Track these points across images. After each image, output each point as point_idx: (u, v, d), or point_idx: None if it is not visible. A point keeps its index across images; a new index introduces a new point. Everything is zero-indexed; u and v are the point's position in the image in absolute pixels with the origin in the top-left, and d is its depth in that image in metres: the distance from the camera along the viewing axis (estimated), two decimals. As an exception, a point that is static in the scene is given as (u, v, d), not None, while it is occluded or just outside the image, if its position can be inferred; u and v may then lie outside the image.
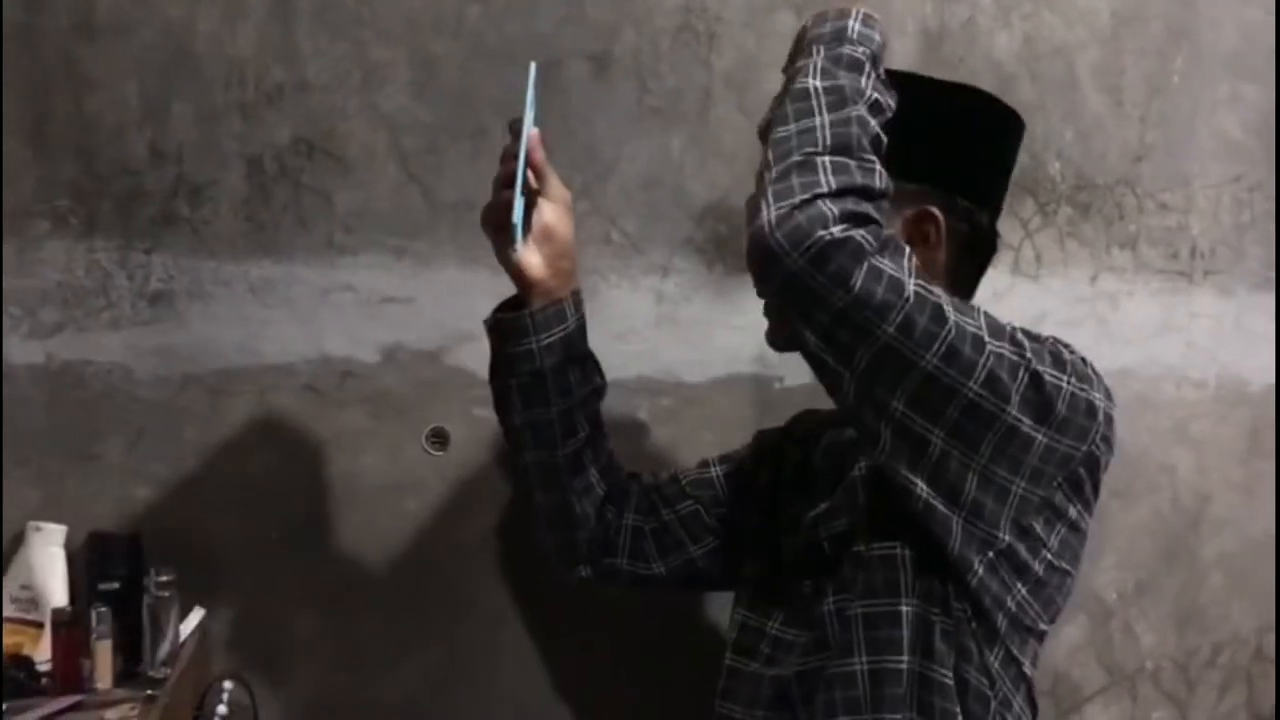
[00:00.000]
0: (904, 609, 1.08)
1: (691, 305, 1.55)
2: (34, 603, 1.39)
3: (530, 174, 1.15)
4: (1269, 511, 1.69)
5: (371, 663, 1.53)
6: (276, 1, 1.46)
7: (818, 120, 1.01)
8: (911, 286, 0.97)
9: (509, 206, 1.13)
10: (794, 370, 1.11)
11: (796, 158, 1.00)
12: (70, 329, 1.46)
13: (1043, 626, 1.13)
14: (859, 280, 0.96)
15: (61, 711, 1.23)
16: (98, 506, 1.46)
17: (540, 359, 1.19)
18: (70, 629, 1.30)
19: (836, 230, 0.95)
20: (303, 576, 1.51)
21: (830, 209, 0.96)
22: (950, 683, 1.07)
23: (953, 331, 0.98)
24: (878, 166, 1.01)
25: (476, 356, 1.50)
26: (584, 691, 1.58)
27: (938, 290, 1.00)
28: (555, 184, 1.19)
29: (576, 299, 1.21)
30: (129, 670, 1.33)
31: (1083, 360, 1.09)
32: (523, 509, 1.53)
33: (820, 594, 1.13)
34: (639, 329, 1.54)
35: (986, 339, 1.00)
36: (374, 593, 1.53)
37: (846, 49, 1.05)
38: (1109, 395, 1.09)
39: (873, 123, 1.03)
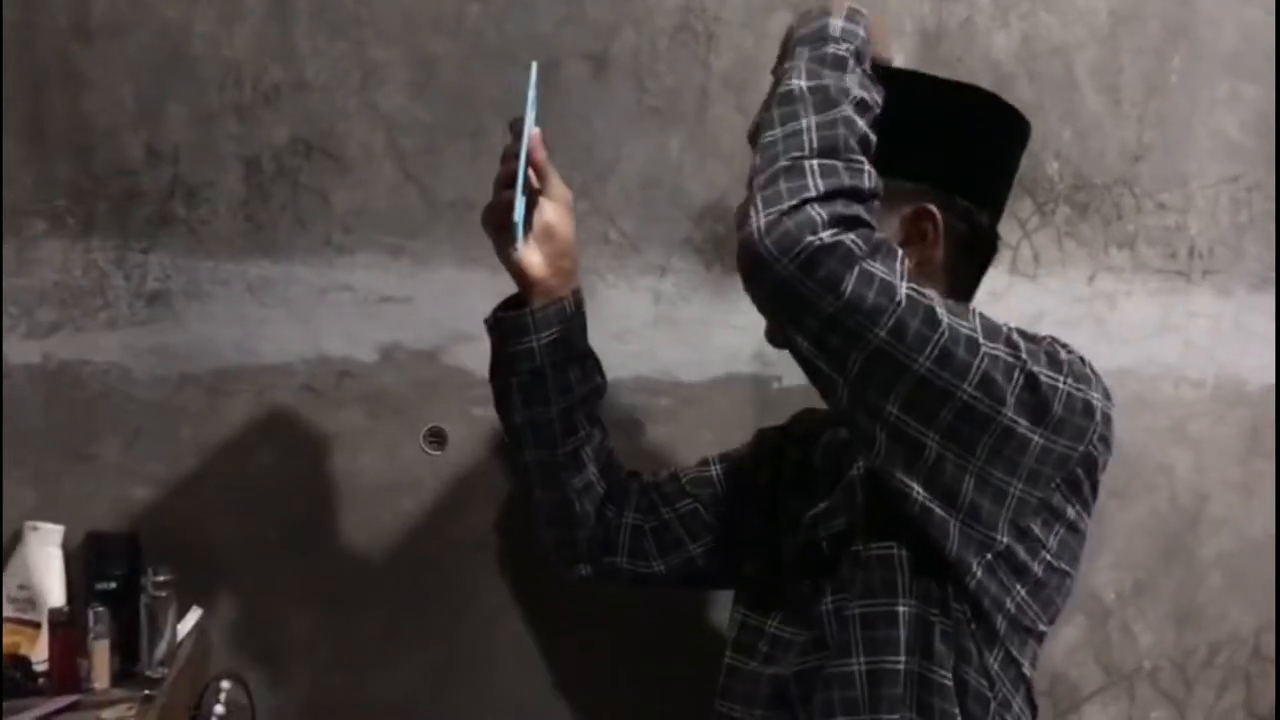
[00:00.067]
0: (901, 609, 1.08)
1: (689, 305, 1.55)
2: (31, 602, 1.39)
3: (532, 173, 1.16)
4: (1267, 511, 1.69)
5: (369, 662, 1.53)
6: (274, 1, 1.46)
7: (804, 123, 1.01)
8: (903, 290, 0.97)
9: (510, 205, 1.14)
10: (792, 370, 1.11)
11: (784, 162, 0.99)
12: (67, 329, 1.46)
13: (1042, 627, 1.12)
14: (849, 285, 0.95)
15: (58, 711, 1.23)
16: (95, 506, 1.46)
17: (540, 357, 1.19)
18: (67, 629, 1.30)
19: (826, 235, 0.95)
20: (300, 576, 1.51)
21: (819, 213, 0.96)
22: (949, 684, 1.07)
23: (946, 334, 0.98)
24: (866, 167, 1.01)
25: (474, 356, 1.50)
26: (583, 691, 1.58)
27: (931, 293, 1.00)
28: (557, 183, 1.19)
29: (577, 298, 1.22)
30: (126, 670, 1.33)
31: (1081, 360, 1.09)
32: (521, 508, 1.53)
33: (818, 593, 1.13)
34: (637, 329, 1.54)
35: (981, 341, 1.00)
36: (372, 592, 1.53)
37: (830, 48, 1.05)
38: (1107, 394, 1.08)
39: (860, 122, 1.02)
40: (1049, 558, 1.09)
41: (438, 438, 1.53)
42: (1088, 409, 1.05)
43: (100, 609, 1.31)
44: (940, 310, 0.98)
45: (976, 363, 0.99)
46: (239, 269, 1.48)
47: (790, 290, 0.97)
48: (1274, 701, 1.71)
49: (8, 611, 1.38)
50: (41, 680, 1.30)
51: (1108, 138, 1.62)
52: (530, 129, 1.14)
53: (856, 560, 1.11)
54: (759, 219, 0.97)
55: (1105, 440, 1.09)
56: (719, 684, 1.21)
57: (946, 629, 1.08)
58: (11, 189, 1.44)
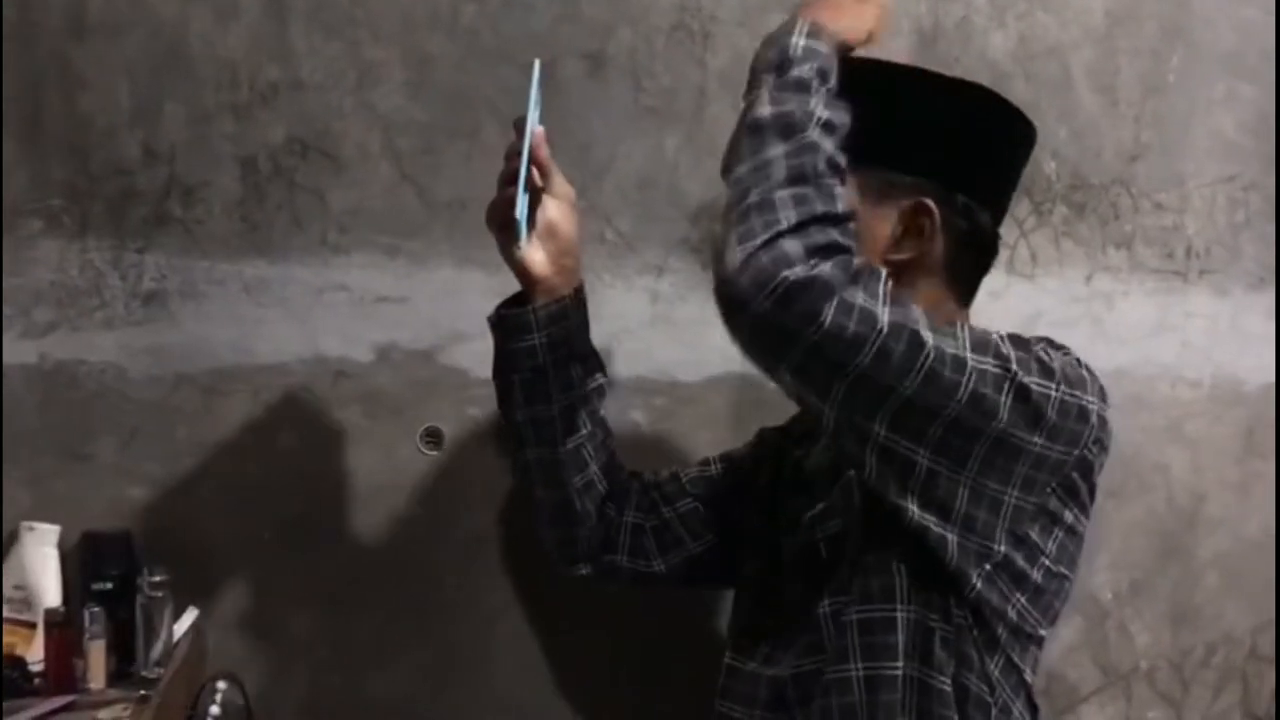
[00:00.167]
0: (900, 615, 1.08)
1: (686, 305, 1.55)
2: (27, 603, 1.38)
3: (535, 171, 1.16)
4: (1264, 511, 1.69)
5: (366, 662, 1.53)
6: (270, 1, 1.46)
7: (770, 154, 1.00)
8: (885, 317, 0.96)
9: (512, 203, 1.14)
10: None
11: (754, 197, 0.98)
12: (63, 329, 1.46)
13: (1042, 632, 1.13)
14: (829, 316, 0.94)
15: (54, 712, 1.23)
16: (91, 506, 1.46)
17: (542, 355, 1.20)
18: (63, 629, 1.30)
19: (800, 269, 0.94)
20: (297, 576, 1.51)
21: (793, 246, 0.95)
22: (949, 690, 1.07)
23: (931, 355, 0.97)
24: (838, 189, 1.00)
25: (471, 356, 1.50)
26: (582, 691, 1.58)
27: (917, 313, 0.99)
28: (560, 182, 1.20)
29: (579, 296, 1.22)
30: (122, 670, 1.33)
31: (1076, 362, 1.09)
32: (518, 508, 1.53)
33: (817, 595, 1.12)
34: (634, 328, 1.54)
35: (968, 357, 0.99)
36: (369, 592, 1.53)
37: (793, 71, 1.03)
38: (1103, 396, 1.08)
39: (827, 144, 1.01)
40: (1048, 563, 1.09)
41: (434, 438, 1.53)
42: (1082, 414, 1.04)
43: (96, 609, 1.31)
44: (925, 332, 0.98)
45: (965, 380, 0.98)
46: (235, 269, 1.48)
47: (768, 326, 0.96)
48: (1270, 701, 1.71)
49: (4, 612, 1.38)
50: (37, 680, 1.30)
51: (1105, 138, 1.62)
52: (533, 127, 1.15)
53: (854, 564, 1.11)
54: (733, 256, 0.96)
55: (1101, 443, 1.09)
56: (719, 684, 1.21)
57: (947, 635, 1.08)
58: (7, 188, 1.44)
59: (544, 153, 1.17)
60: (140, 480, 1.48)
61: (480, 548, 1.55)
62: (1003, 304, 1.55)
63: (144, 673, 1.32)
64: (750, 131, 1.02)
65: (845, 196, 1.00)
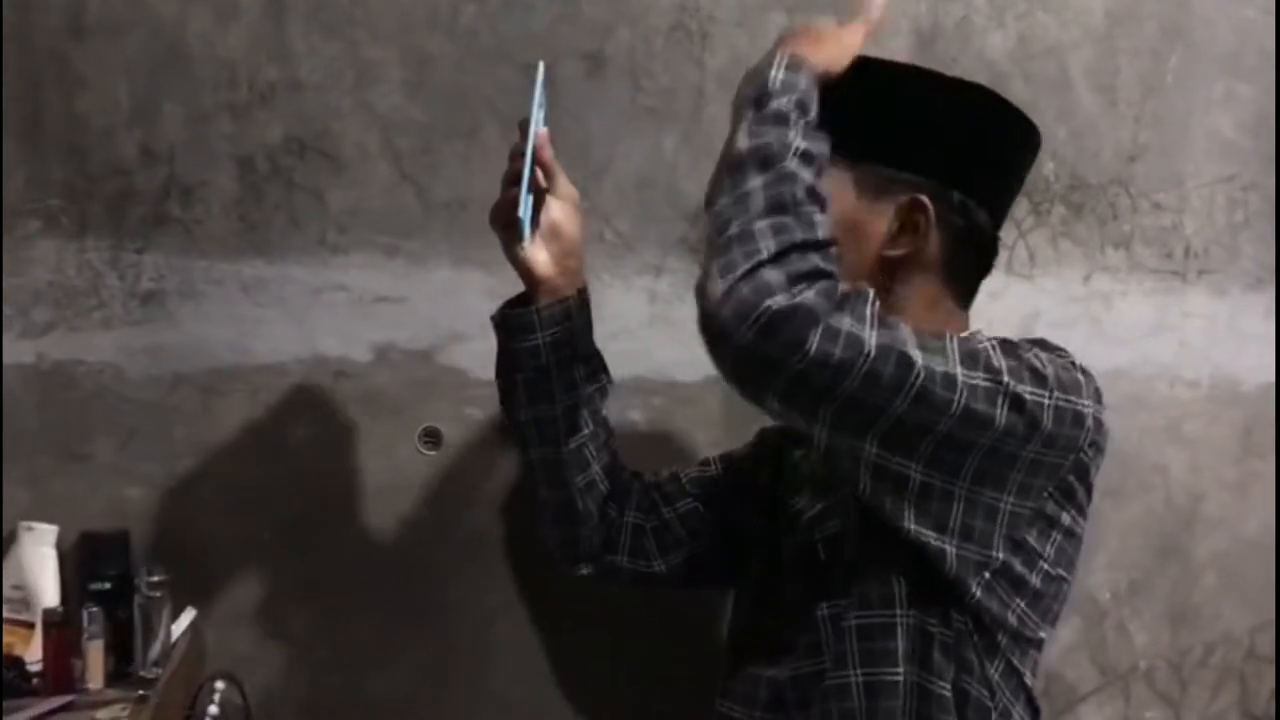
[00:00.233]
0: (899, 621, 1.08)
1: (685, 305, 1.53)
2: (25, 603, 1.38)
3: (539, 172, 1.17)
4: (1262, 511, 1.69)
5: (364, 662, 1.53)
6: (269, 1, 1.46)
7: (749, 186, 1.00)
8: (873, 340, 0.96)
9: (516, 203, 1.14)
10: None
11: (734, 229, 0.99)
12: (61, 329, 1.46)
13: (1042, 634, 1.13)
14: (814, 343, 0.94)
15: (52, 712, 1.23)
16: (89, 506, 1.46)
17: (545, 355, 1.20)
18: (61, 629, 1.29)
19: (782, 298, 0.95)
20: (295, 576, 1.51)
21: (774, 275, 0.96)
22: (948, 695, 1.07)
23: (921, 375, 0.97)
24: (817, 216, 1.00)
25: (469, 356, 1.50)
26: (582, 691, 1.58)
27: (905, 331, 0.99)
28: (563, 183, 1.21)
29: (583, 297, 1.23)
30: (120, 670, 1.33)
31: (1071, 364, 1.08)
32: (516, 509, 1.54)
33: (816, 598, 1.13)
34: (632, 329, 1.54)
35: (958, 374, 0.99)
36: (367, 593, 1.52)
37: (771, 105, 1.03)
38: (1098, 398, 1.08)
39: (805, 173, 1.01)
40: (1046, 566, 1.09)
41: (433, 438, 1.53)
42: (1077, 418, 1.04)
43: (94, 609, 1.31)
44: (913, 351, 0.98)
45: (956, 397, 0.98)
46: (233, 269, 1.48)
47: (753, 356, 0.96)
48: (1269, 701, 1.71)
49: (2, 612, 1.37)
50: (36, 680, 1.29)
51: (1103, 138, 1.62)
52: (537, 128, 1.16)
53: (853, 568, 1.11)
54: (714, 288, 0.97)
55: (1097, 445, 1.09)
56: (720, 684, 1.21)
57: (947, 640, 1.08)
58: (6, 188, 1.44)
59: (548, 154, 1.18)
60: (138, 480, 1.48)
61: (479, 548, 1.54)
62: (1001, 304, 1.55)
63: (142, 673, 1.32)
64: (729, 165, 1.03)
65: (826, 223, 1.01)
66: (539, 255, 1.20)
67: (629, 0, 1.52)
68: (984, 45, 1.58)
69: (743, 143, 1.03)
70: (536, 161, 1.17)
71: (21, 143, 1.44)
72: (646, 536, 1.32)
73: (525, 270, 1.20)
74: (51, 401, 1.46)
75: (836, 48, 1.10)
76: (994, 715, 1.09)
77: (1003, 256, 1.58)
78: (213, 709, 1.36)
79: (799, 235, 0.98)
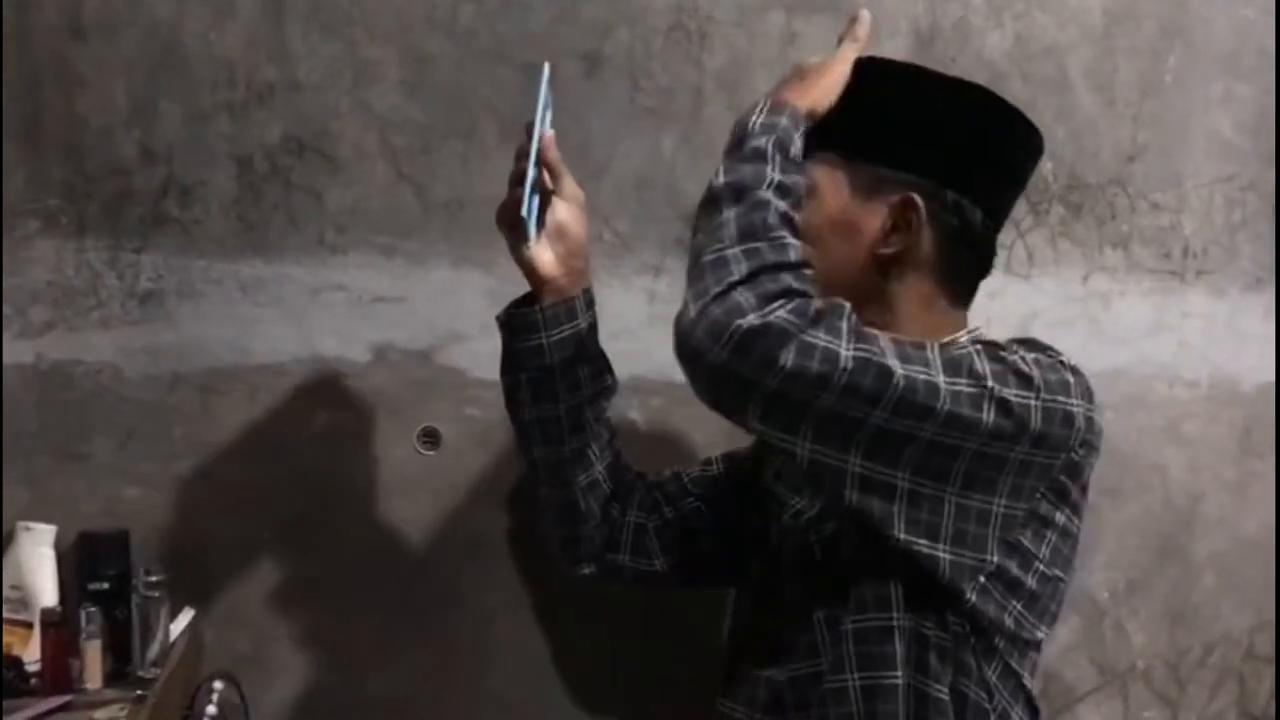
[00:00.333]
0: (896, 624, 1.08)
1: (683, 305, 1.54)
2: (24, 603, 1.38)
3: (545, 173, 1.18)
4: (1261, 511, 1.69)
5: (363, 662, 1.53)
6: (267, 0, 1.46)
7: (723, 216, 1.03)
8: (848, 353, 0.96)
9: (520, 203, 1.15)
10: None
11: (708, 257, 1.01)
12: (60, 328, 1.46)
13: (1040, 635, 1.12)
14: (788, 360, 0.95)
15: (51, 712, 1.23)
16: (87, 506, 1.46)
17: (550, 355, 1.21)
18: (59, 629, 1.30)
19: (753, 318, 0.96)
20: (293, 576, 1.51)
21: (745, 297, 0.97)
22: (946, 698, 1.07)
23: (901, 384, 0.97)
24: (789, 240, 1.02)
25: (468, 356, 1.50)
26: (582, 691, 1.58)
27: (883, 343, 0.99)
28: (569, 183, 1.22)
29: (588, 297, 1.24)
30: (119, 670, 1.33)
31: (1060, 363, 1.08)
32: (515, 509, 1.54)
33: (814, 599, 1.12)
34: (631, 328, 1.53)
35: (940, 381, 0.99)
36: (365, 593, 1.52)
37: (750, 143, 1.06)
38: (1089, 397, 1.08)
39: (779, 203, 1.03)
40: (1042, 567, 1.08)
41: (431, 438, 1.53)
42: (1067, 418, 1.04)
43: (92, 609, 1.31)
44: (892, 361, 0.98)
45: (939, 404, 0.99)
46: (232, 268, 1.48)
47: (727, 375, 0.97)
48: (1268, 701, 1.71)
49: (1, 612, 1.38)
50: (34, 680, 1.29)
51: (1102, 138, 1.62)
52: (542, 129, 1.17)
53: (848, 570, 1.10)
54: (689, 312, 0.99)
55: (1089, 444, 1.08)
56: (721, 683, 1.22)
57: (944, 644, 1.07)
58: (5, 188, 1.44)
59: (553, 155, 1.19)
60: (137, 480, 1.48)
61: (479, 548, 1.54)
62: (999, 304, 1.55)
63: (140, 673, 1.32)
64: (706, 201, 1.06)
65: (800, 247, 1.02)
66: (544, 255, 1.20)
67: (627, 0, 1.52)
68: (982, 45, 1.58)
69: (719, 179, 1.06)
70: (542, 163, 1.18)
71: (21, 143, 1.44)
72: (649, 536, 1.32)
73: (530, 270, 1.21)
74: (50, 401, 1.46)
75: (822, 88, 1.12)
76: (993, 717, 1.08)
77: (1001, 256, 1.57)
78: (211, 709, 1.36)
79: (770, 258, 1.00)
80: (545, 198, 1.20)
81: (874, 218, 1.11)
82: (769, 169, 1.04)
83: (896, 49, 1.53)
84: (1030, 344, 1.12)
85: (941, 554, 1.03)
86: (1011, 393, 1.01)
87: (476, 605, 1.55)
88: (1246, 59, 1.64)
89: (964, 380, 1.00)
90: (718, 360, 0.97)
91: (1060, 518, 1.09)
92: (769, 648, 1.16)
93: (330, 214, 1.49)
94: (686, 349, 0.99)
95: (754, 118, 1.08)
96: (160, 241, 1.47)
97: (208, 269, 1.48)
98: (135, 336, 1.47)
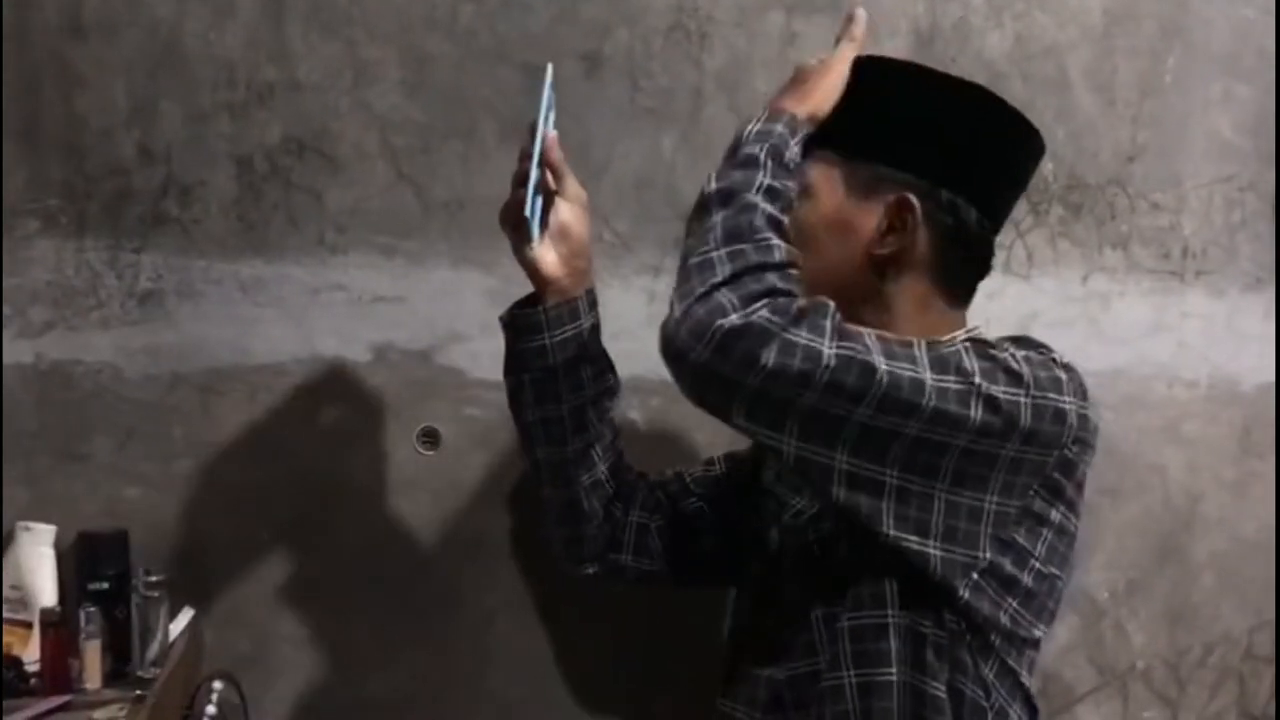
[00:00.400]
0: (891, 621, 1.08)
1: (683, 305, 1.54)
2: (23, 603, 1.38)
3: (548, 174, 1.19)
4: (1261, 511, 1.69)
5: (362, 662, 1.53)
6: (267, 0, 1.46)
7: (711, 220, 1.04)
8: (830, 350, 0.97)
9: (524, 204, 1.15)
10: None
11: (694, 259, 1.02)
12: (60, 328, 1.46)
13: (1037, 633, 1.12)
14: (770, 358, 0.96)
15: (50, 712, 1.23)
16: (87, 506, 1.46)
17: (553, 355, 1.21)
18: (58, 629, 1.29)
19: (735, 317, 0.96)
20: (293, 576, 1.51)
21: (728, 297, 0.98)
22: (943, 695, 1.07)
23: (885, 381, 0.98)
24: (774, 241, 1.02)
25: (467, 356, 1.50)
26: (582, 691, 1.58)
27: (869, 341, 0.99)
28: (572, 184, 1.22)
29: (590, 298, 1.24)
30: (118, 670, 1.33)
31: (1052, 360, 1.08)
32: (515, 509, 1.54)
33: (812, 598, 1.12)
34: (631, 328, 1.53)
35: (927, 378, 0.99)
36: (365, 593, 1.52)
37: (743, 150, 1.07)
38: (1083, 394, 1.08)
39: (767, 206, 1.04)
40: (1038, 565, 1.08)
41: (431, 438, 1.53)
42: (1058, 415, 1.04)
43: (92, 609, 1.31)
44: (876, 358, 0.98)
45: (925, 401, 0.99)
46: (231, 268, 1.48)
47: (710, 374, 0.98)
48: (1268, 701, 1.71)
49: (1, 612, 1.38)
50: (33, 680, 1.29)
51: (1102, 138, 1.62)
52: (545, 130, 1.17)
53: (846, 568, 1.10)
54: (673, 313, 1.00)
55: (1083, 441, 1.08)
56: (721, 683, 1.22)
57: (940, 641, 1.07)
58: (5, 188, 1.44)
59: (556, 156, 1.20)
60: (136, 480, 1.48)
61: (479, 548, 1.54)
62: (999, 304, 1.55)
63: (140, 673, 1.32)
64: (697, 207, 1.07)
65: (785, 248, 1.03)
66: (547, 256, 1.21)
67: (627, 1, 1.52)
68: (982, 45, 1.58)
69: (710, 185, 1.07)
70: (545, 163, 1.18)
71: (20, 143, 1.44)
72: (651, 536, 1.32)
73: (533, 271, 1.22)
74: (50, 401, 1.46)
75: (821, 92, 1.12)
76: (990, 715, 1.08)
77: (1000, 256, 1.57)
78: (210, 709, 1.36)
79: (754, 259, 1.00)
80: (548, 198, 1.21)
81: (869, 218, 1.12)
82: (759, 174, 1.05)
83: (896, 49, 1.53)
84: (1022, 342, 1.12)
85: (931, 550, 1.03)
86: (1000, 390, 1.01)
87: (476, 605, 1.55)
88: (1246, 59, 1.64)
89: (951, 377, 1.00)
90: (700, 360, 0.97)
91: (1055, 515, 1.09)
92: (769, 647, 1.16)
93: (330, 214, 1.49)
94: (671, 349, 1.00)
95: (750, 126, 1.09)
96: (160, 241, 1.47)
97: (208, 269, 1.48)
98: (135, 336, 1.47)
